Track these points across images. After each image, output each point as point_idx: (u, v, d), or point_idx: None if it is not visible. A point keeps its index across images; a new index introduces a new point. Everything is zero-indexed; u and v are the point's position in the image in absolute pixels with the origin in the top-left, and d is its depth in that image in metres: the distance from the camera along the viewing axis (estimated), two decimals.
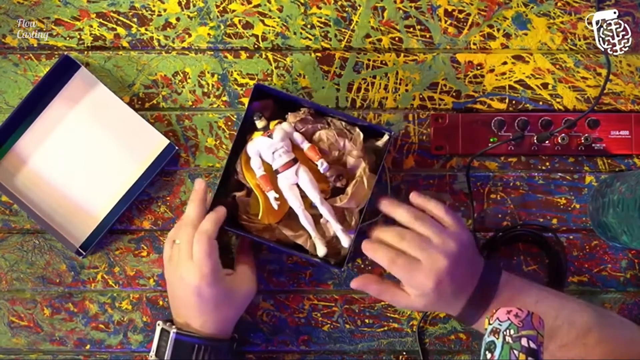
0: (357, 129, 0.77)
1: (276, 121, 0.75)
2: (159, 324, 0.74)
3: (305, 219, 0.74)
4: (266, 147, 0.73)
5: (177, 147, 0.81)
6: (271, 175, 0.75)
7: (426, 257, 0.70)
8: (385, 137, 0.77)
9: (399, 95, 0.83)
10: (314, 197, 0.74)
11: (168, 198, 0.83)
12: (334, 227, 0.75)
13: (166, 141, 0.81)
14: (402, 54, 0.83)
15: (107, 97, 0.81)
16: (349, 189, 0.76)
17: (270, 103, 0.78)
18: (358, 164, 0.76)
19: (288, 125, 0.75)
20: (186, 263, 0.71)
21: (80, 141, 0.82)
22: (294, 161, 0.74)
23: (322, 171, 0.75)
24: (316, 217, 0.76)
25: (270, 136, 0.73)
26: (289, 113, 0.77)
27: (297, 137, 0.75)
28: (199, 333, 0.73)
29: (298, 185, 0.74)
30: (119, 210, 0.81)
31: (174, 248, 0.74)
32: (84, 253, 0.81)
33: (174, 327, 0.73)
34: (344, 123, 0.78)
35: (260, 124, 0.74)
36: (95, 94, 0.82)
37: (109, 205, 0.82)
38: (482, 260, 0.73)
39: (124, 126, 0.82)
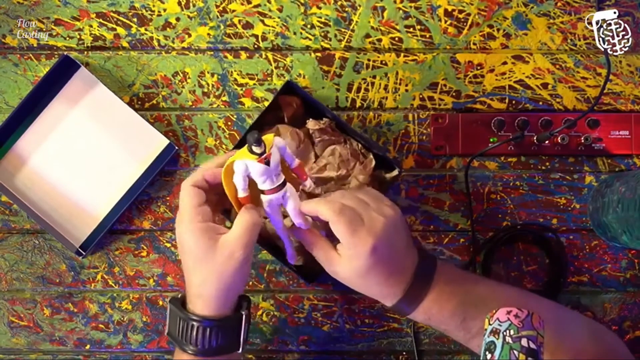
0: (371, 155, 0.77)
1: (271, 136, 0.65)
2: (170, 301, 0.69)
3: (284, 238, 0.71)
4: (260, 173, 0.64)
5: (177, 147, 0.81)
6: (253, 193, 0.67)
7: (367, 217, 0.65)
8: (395, 172, 0.77)
9: (399, 95, 0.83)
10: (296, 221, 0.68)
11: (168, 198, 0.83)
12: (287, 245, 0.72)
13: (166, 141, 0.81)
14: (402, 54, 0.83)
15: (107, 97, 0.81)
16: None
17: (297, 101, 0.78)
18: (362, 188, 0.76)
19: (281, 141, 0.66)
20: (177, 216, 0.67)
21: (80, 141, 0.82)
22: (283, 184, 0.66)
23: (306, 189, 0.72)
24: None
25: (267, 163, 0.64)
26: (310, 119, 0.77)
27: (288, 155, 0.67)
28: (190, 311, 0.66)
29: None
30: (118, 210, 0.81)
31: None
32: (84, 253, 0.81)
33: (174, 299, 0.69)
34: (360, 145, 0.78)
35: (257, 150, 0.62)
36: (95, 94, 0.82)
37: (108, 205, 0.82)
38: (415, 249, 0.70)
39: (124, 126, 0.82)
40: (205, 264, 0.65)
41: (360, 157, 0.77)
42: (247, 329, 0.69)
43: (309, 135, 0.78)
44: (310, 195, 0.76)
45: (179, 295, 0.69)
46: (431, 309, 0.68)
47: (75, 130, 0.82)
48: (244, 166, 0.64)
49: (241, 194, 0.65)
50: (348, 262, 0.66)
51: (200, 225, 0.65)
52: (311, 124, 0.77)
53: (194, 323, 0.65)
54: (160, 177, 0.83)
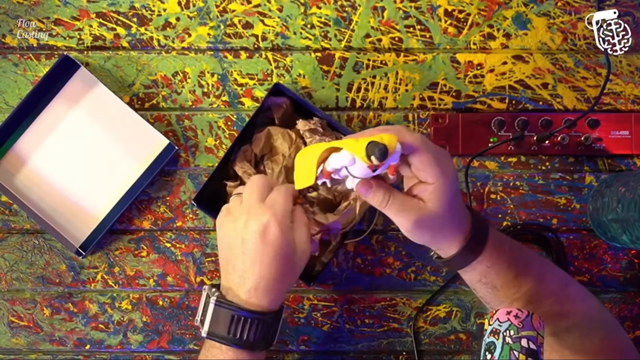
0: None
1: (394, 143, 0.59)
2: (204, 289, 0.69)
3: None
4: (361, 174, 0.61)
5: (177, 147, 0.81)
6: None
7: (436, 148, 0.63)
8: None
9: (399, 95, 0.83)
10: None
11: (168, 198, 0.83)
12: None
13: (166, 141, 0.81)
14: (402, 54, 0.83)
15: (107, 97, 0.81)
16: (341, 208, 0.76)
17: (287, 102, 0.78)
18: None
19: (397, 150, 0.59)
20: (256, 205, 0.66)
21: (80, 141, 0.82)
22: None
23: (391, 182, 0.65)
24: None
25: (374, 170, 0.60)
26: (300, 120, 0.77)
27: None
28: (242, 303, 0.66)
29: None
30: (118, 210, 0.81)
31: (235, 200, 0.69)
32: (84, 253, 0.81)
33: (216, 293, 0.67)
34: None
35: (375, 162, 0.58)
36: (95, 94, 0.82)
37: (108, 205, 0.82)
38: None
39: (124, 126, 0.82)
40: (288, 261, 0.66)
41: None
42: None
43: (300, 135, 0.78)
44: (319, 202, 0.76)
45: (213, 290, 0.68)
46: (492, 256, 0.65)
47: (75, 130, 0.82)
48: (350, 160, 0.59)
49: (315, 175, 0.62)
50: (433, 199, 0.61)
51: (289, 224, 0.67)
52: (301, 125, 0.77)
53: (256, 317, 0.66)
54: (160, 177, 0.83)
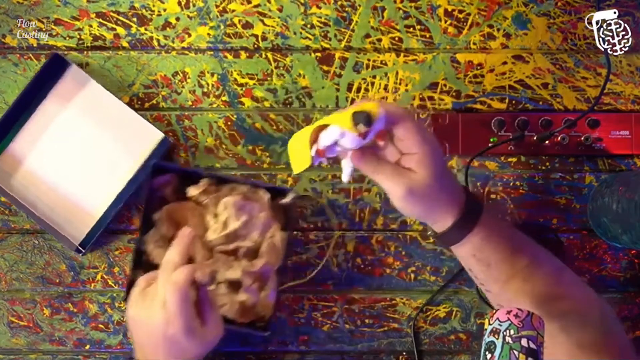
0: (262, 191, 0.78)
1: (376, 108, 0.61)
2: None
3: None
4: (353, 144, 0.62)
5: (171, 140, 0.81)
6: None
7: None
8: (291, 195, 0.78)
9: (399, 95, 0.83)
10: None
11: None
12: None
13: (160, 134, 0.81)
14: (402, 54, 0.83)
15: (100, 94, 0.81)
16: (263, 251, 0.77)
17: (173, 178, 0.79)
18: (269, 224, 0.77)
19: (382, 113, 0.61)
20: (159, 311, 0.65)
21: (75, 139, 0.82)
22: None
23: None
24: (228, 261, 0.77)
25: (364, 136, 0.62)
26: (189, 187, 0.78)
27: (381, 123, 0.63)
28: None
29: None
30: (116, 207, 0.81)
31: (151, 287, 0.68)
32: (83, 250, 0.81)
33: None
34: (247, 187, 0.79)
35: (362, 129, 0.61)
36: (87, 91, 0.82)
37: (106, 202, 0.82)
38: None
39: (118, 122, 0.82)
40: (197, 352, 0.67)
41: (253, 197, 0.79)
42: None
43: (196, 202, 0.79)
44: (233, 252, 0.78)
45: None
46: (486, 231, 0.66)
47: (69, 128, 0.82)
48: (340, 133, 0.61)
49: (311, 155, 0.63)
50: (421, 167, 0.63)
51: (193, 326, 0.66)
52: (192, 191, 0.78)
53: None
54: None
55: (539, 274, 0.68)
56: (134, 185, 0.81)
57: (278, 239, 0.77)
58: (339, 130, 0.61)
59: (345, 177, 0.67)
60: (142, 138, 0.82)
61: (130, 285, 0.74)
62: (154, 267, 0.77)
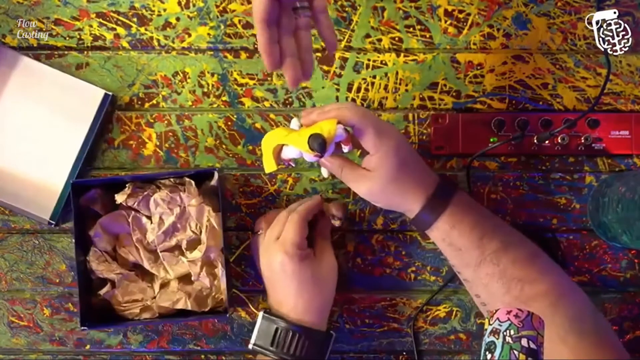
0: (187, 179, 0.79)
1: (333, 127, 0.66)
2: (260, 313, 0.75)
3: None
4: (311, 160, 0.70)
5: (112, 94, 0.81)
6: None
7: (384, 124, 0.71)
8: (216, 176, 0.78)
9: (399, 95, 0.83)
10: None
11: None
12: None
13: (102, 92, 0.81)
14: (402, 54, 0.83)
15: (32, 67, 0.81)
16: (203, 237, 0.78)
17: (97, 191, 0.79)
18: (202, 209, 0.78)
19: (339, 131, 0.68)
20: (272, 246, 0.74)
21: (19, 118, 0.82)
22: None
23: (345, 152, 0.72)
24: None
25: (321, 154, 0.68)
26: (116, 194, 0.78)
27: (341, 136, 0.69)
28: (285, 316, 0.73)
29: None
30: (74, 172, 0.81)
31: (261, 238, 0.77)
32: (54, 222, 0.81)
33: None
34: (172, 179, 0.79)
35: (318, 152, 0.66)
36: (19, 67, 0.81)
37: (65, 171, 0.82)
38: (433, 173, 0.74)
39: (57, 90, 0.81)
40: (313, 287, 0.74)
41: (180, 187, 0.79)
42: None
43: (126, 207, 0.79)
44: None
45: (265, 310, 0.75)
46: (455, 216, 0.70)
47: (12, 109, 0.81)
48: (298, 152, 0.68)
49: (276, 164, 0.70)
50: (378, 167, 0.69)
51: (304, 254, 0.74)
52: (120, 198, 0.78)
53: (299, 330, 0.72)
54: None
55: (509, 258, 0.70)
56: (86, 147, 0.81)
57: (214, 221, 0.78)
58: (297, 151, 0.68)
59: (324, 172, 0.75)
60: (84, 100, 0.81)
61: (84, 310, 0.75)
62: (105, 282, 0.79)
